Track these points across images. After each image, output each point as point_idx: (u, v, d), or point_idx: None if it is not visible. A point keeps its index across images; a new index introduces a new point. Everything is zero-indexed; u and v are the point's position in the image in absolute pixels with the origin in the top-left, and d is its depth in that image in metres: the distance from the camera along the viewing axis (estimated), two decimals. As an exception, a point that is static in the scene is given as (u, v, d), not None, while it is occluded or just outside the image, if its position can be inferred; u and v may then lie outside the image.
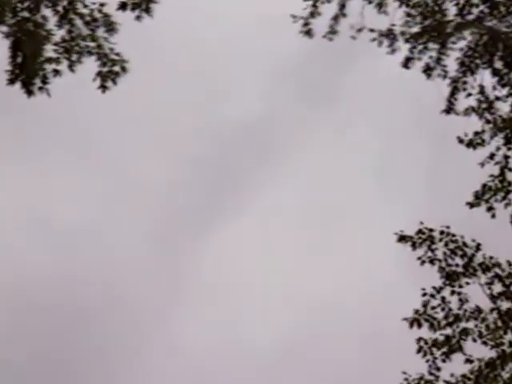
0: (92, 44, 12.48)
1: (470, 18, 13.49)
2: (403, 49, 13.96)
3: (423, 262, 12.84)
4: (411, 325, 12.46)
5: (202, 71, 19.91)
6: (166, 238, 18.70)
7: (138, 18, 12.39)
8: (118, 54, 12.47)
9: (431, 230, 12.99)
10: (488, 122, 13.52)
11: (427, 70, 13.90)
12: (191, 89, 19.93)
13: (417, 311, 12.57)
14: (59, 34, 12.20)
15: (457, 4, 13.42)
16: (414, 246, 12.93)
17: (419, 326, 12.45)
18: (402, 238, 12.98)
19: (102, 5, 12.12)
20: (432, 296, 12.67)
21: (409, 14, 13.72)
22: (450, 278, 12.69)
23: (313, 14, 13.86)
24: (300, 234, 18.81)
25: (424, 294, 12.70)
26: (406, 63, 13.92)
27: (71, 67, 12.43)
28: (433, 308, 12.56)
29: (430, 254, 12.88)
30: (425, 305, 12.61)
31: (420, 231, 13.00)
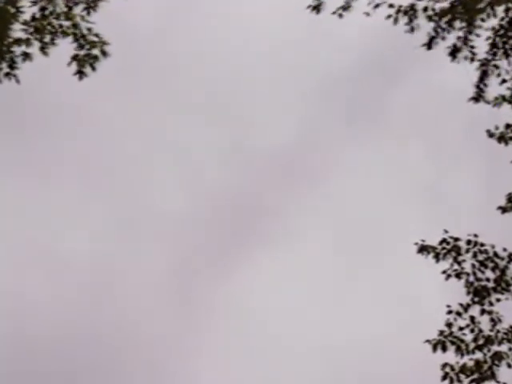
0: (67, 23, 10.85)
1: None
2: (424, 28, 12.31)
3: (448, 276, 11.22)
4: (434, 348, 10.87)
5: (230, 92, 18.20)
6: (186, 278, 17.16)
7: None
8: (97, 35, 10.89)
9: (457, 240, 11.35)
10: (522, 111, 11.90)
11: (453, 52, 12.23)
12: (215, 113, 18.25)
13: (441, 332, 10.96)
14: (29, 11, 10.64)
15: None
16: (437, 257, 11.29)
17: (444, 349, 10.85)
18: (423, 249, 11.34)
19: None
20: (458, 314, 11.06)
21: (434, -12, 12.05)
22: (480, 294, 11.08)
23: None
24: (335, 269, 17.06)
25: (449, 312, 11.09)
26: (430, 43, 12.24)
27: (43, 49, 10.86)
28: (460, 329, 10.95)
29: (456, 266, 11.25)
30: (449, 324, 11.01)
31: (444, 241, 11.36)
